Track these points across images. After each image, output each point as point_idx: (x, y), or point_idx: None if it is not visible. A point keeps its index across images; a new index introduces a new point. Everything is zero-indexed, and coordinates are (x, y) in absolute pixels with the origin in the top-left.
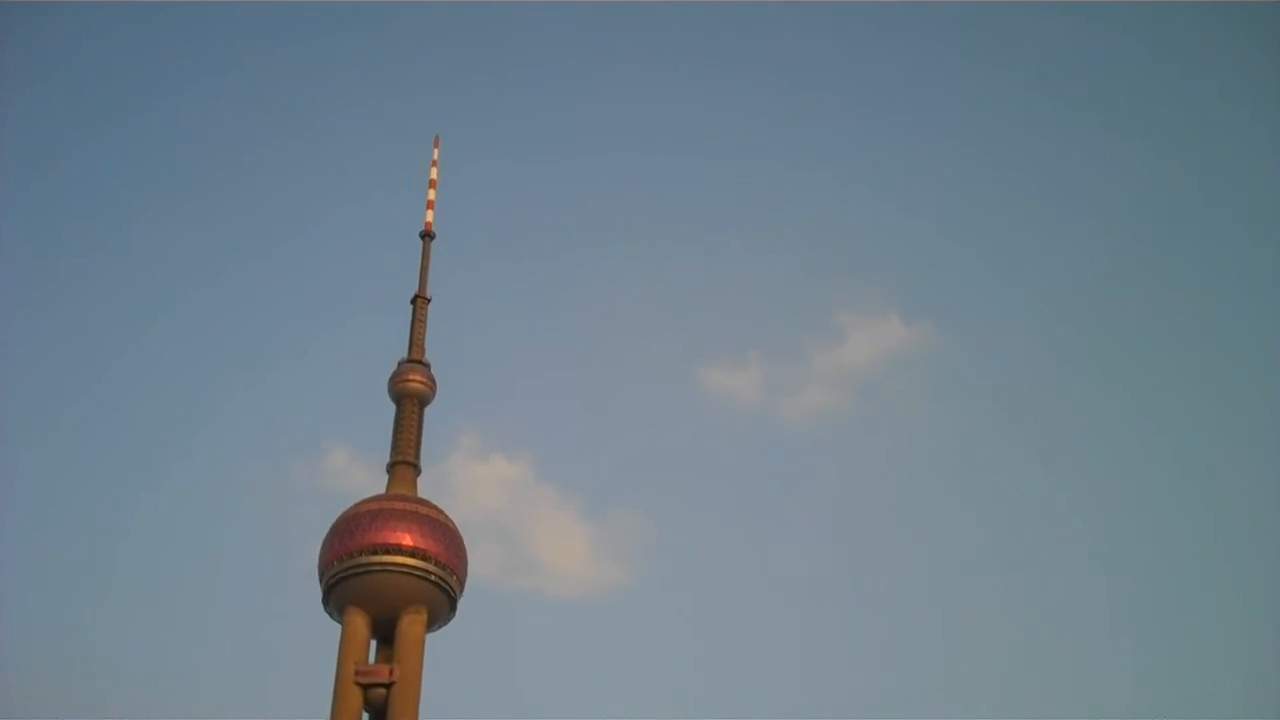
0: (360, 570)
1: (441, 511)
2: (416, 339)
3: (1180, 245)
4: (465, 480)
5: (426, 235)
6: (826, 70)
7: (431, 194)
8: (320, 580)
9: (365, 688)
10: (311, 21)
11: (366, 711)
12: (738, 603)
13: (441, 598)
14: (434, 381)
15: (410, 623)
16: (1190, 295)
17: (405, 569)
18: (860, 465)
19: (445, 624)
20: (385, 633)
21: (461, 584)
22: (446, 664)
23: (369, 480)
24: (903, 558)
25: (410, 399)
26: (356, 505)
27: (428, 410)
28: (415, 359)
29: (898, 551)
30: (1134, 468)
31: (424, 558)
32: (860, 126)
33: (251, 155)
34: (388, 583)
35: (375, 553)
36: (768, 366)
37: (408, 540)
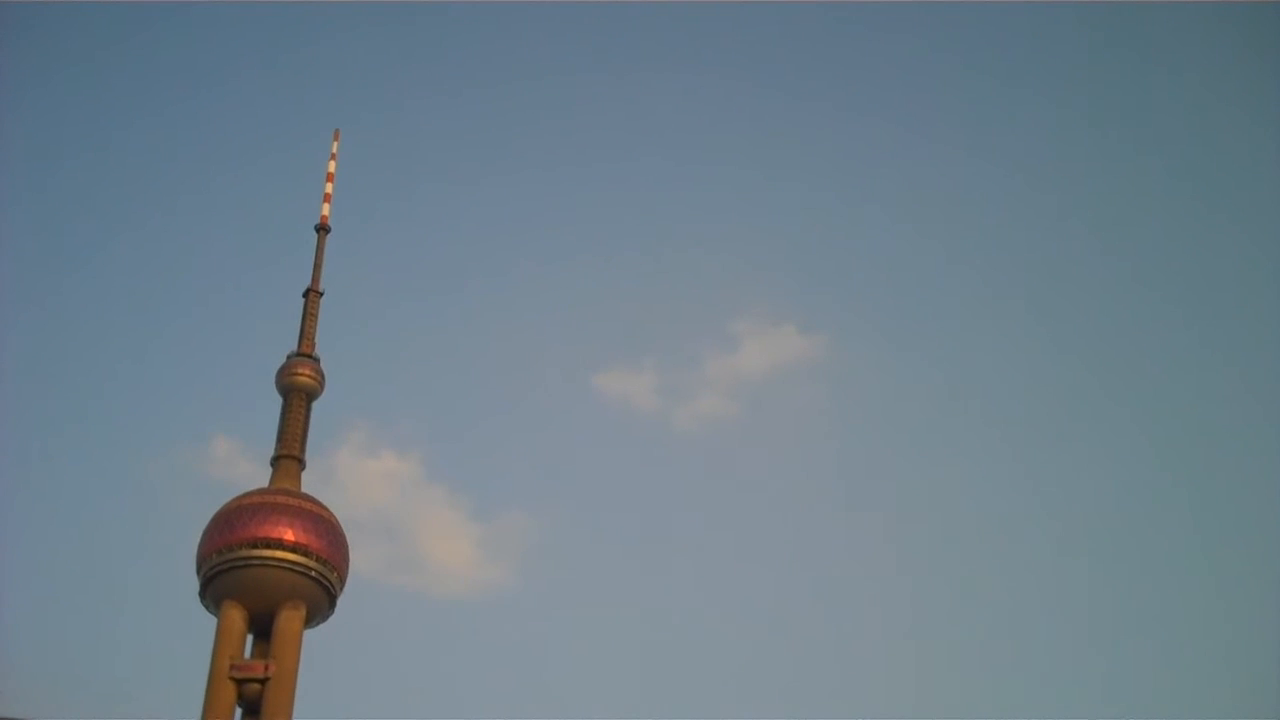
0: (239, 564)
1: (325, 507)
2: (307, 333)
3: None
4: (352, 476)
5: (322, 229)
6: (738, 73)
7: (329, 188)
8: (198, 572)
9: (239, 683)
10: (219, 14)
11: (240, 707)
12: (624, 607)
13: (321, 594)
14: (323, 376)
15: (288, 618)
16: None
17: (285, 564)
18: (751, 472)
19: (324, 620)
20: (262, 627)
21: (342, 581)
22: (324, 661)
23: (253, 473)
24: (789, 565)
25: (298, 393)
26: (239, 498)
27: (317, 404)
28: (304, 353)
29: (784, 558)
30: (1029, 477)
31: (305, 553)
32: (774, 132)
33: (150, 143)
34: (267, 577)
35: (255, 546)
36: (662, 373)
37: (289, 535)
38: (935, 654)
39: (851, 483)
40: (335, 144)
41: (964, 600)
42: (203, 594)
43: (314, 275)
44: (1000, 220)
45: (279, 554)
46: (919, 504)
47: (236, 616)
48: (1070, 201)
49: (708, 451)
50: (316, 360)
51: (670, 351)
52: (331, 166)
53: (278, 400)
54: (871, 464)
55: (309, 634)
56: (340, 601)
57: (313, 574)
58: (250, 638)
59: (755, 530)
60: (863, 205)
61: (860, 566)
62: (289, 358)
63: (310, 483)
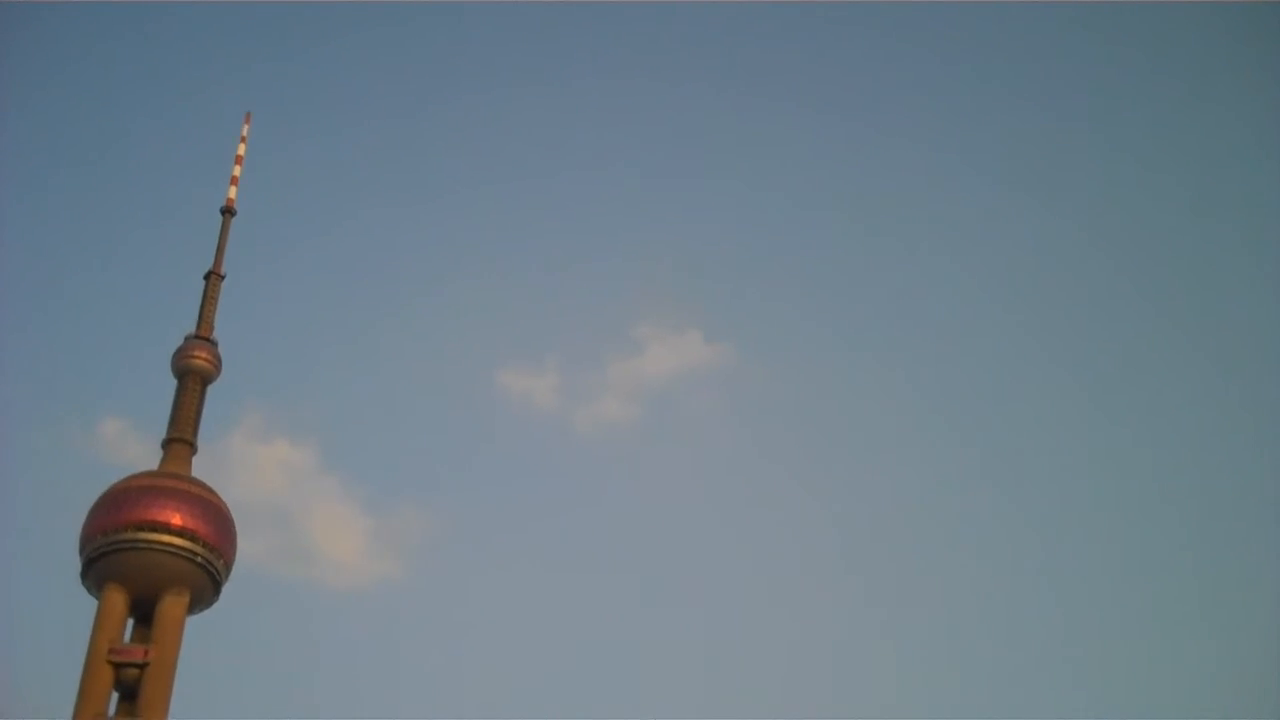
0: (124, 546)
1: (214, 492)
2: (205, 316)
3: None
4: (245, 462)
5: (227, 211)
6: (656, 75)
7: (237, 170)
8: (80, 553)
9: (118, 667)
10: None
11: (117, 692)
12: (512, 604)
13: (206, 580)
14: (219, 360)
15: (171, 604)
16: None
17: (170, 548)
18: (648, 475)
19: (208, 608)
20: (144, 612)
21: (228, 568)
22: (206, 648)
23: (143, 455)
24: (685, 565)
25: (193, 375)
26: (126, 480)
27: (213, 389)
28: (202, 335)
29: (679, 558)
30: (919, 479)
31: (191, 538)
32: (689, 143)
33: (55, 118)
34: (151, 561)
35: (141, 529)
36: (565, 373)
37: (176, 519)
38: (830, 654)
39: (748, 489)
40: (246, 127)
41: (866, 601)
42: (84, 576)
43: (216, 258)
44: (909, 230)
45: (165, 538)
46: (817, 510)
47: (118, 600)
48: (1002, 199)
49: (606, 452)
50: (214, 344)
51: (574, 352)
52: (241, 149)
53: (173, 383)
54: (768, 471)
55: (191, 621)
56: (225, 589)
57: (198, 560)
58: (131, 622)
59: (648, 531)
60: (779, 217)
61: (756, 569)
62: (185, 340)
63: (201, 468)
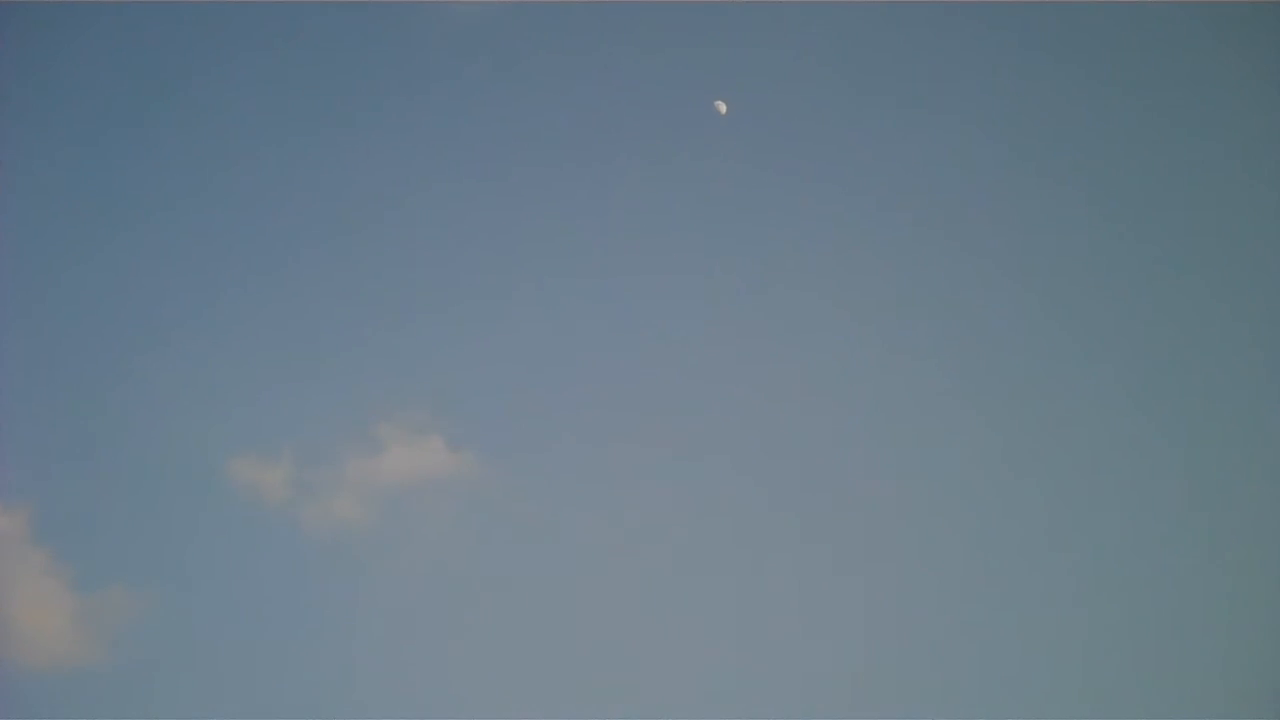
0: None
1: None
2: None
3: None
4: None
5: None
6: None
7: None
8: None
9: None
10: None
11: None
12: (214, 694)
13: None
14: None
15: None
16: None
17: None
18: (373, 577)
19: None
20: None
21: None
22: None
23: None
24: (396, 674)
25: None
26: None
27: None
28: None
29: (391, 667)
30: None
31: None
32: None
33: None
34: None
35: None
36: (300, 466)
37: None
38: None
39: (469, 603)
40: None
41: None
42: None
43: None
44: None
45: None
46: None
47: None
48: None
49: (332, 552)
50: None
51: (311, 446)
52: None
53: None
54: (493, 584)
55: None
56: None
57: None
58: None
59: (362, 634)
60: (533, 343)
61: (470, 684)
62: None
63: None
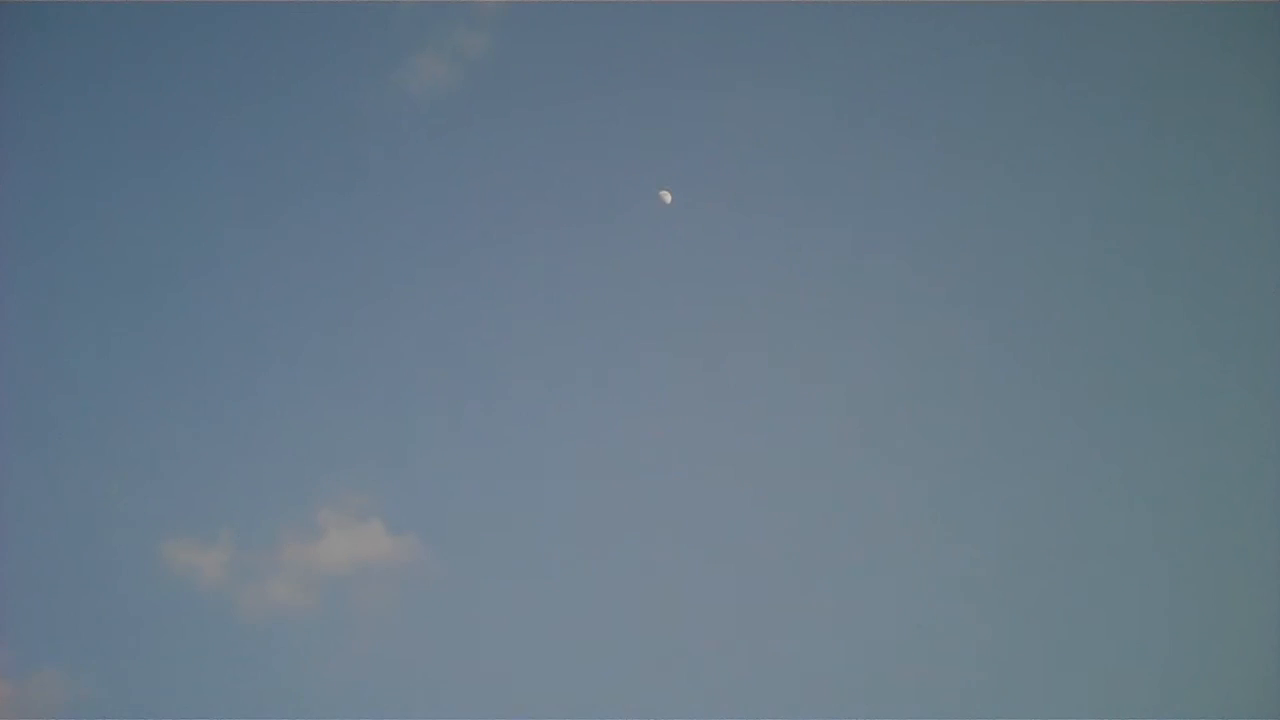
0: None
1: None
2: None
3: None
4: None
5: None
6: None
7: None
8: None
9: None
10: None
11: None
12: None
13: None
14: None
15: None
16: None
17: None
18: (313, 661)
19: None
20: None
21: None
22: None
23: None
24: None
25: None
26: None
27: None
28: None
29: None
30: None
31: None
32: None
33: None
34: None
35: None
36: (237, 550)
37: None
38: None
39: (410, 689)
40: None
41: None
42: None
43: None
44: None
45: None
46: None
47: None
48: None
49: (269, 639)
50: None
51: (249, 530)
52: None
53: None
54: (429, 672)
55: None
56: None
57: None
58: None
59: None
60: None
61: None
62: None
63: None
